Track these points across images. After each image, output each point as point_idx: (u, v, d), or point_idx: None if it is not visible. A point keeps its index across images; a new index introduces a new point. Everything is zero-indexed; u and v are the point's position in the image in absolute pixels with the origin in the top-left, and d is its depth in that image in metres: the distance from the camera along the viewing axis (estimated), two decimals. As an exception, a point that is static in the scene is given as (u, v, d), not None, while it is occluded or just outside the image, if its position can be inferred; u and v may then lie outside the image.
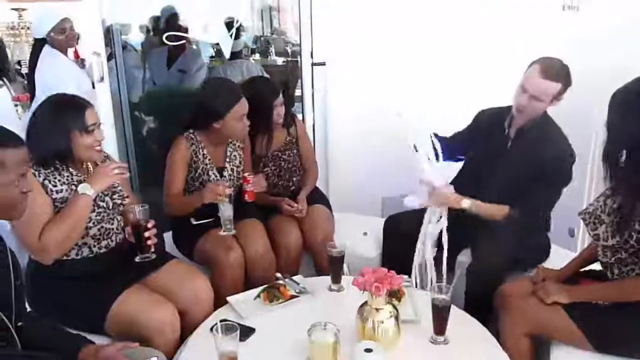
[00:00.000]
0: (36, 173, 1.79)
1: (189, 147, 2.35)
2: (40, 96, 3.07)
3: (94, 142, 1.85)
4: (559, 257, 2.29)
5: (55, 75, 3.01)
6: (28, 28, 5.03)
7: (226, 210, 2.22)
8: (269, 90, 2.58)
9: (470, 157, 2.35)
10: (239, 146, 2.49)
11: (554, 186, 2.17)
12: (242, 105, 2.29)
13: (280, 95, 2.57)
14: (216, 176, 2.39)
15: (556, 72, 2.09)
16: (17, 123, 3.06)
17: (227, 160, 2.44)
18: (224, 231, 2.24)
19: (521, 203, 2.13)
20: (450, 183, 2.22)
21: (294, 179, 2.73)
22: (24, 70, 5.02)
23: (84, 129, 1.81)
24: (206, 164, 2.38)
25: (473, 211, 2.14)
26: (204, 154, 2.37)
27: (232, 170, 2.45)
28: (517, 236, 2.13)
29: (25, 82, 4.92)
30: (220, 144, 2.43)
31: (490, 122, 2.38)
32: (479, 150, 2.30)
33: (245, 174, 2.37)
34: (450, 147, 2.32)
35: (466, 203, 2.13)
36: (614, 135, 1.65)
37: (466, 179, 2.28)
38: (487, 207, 2.16)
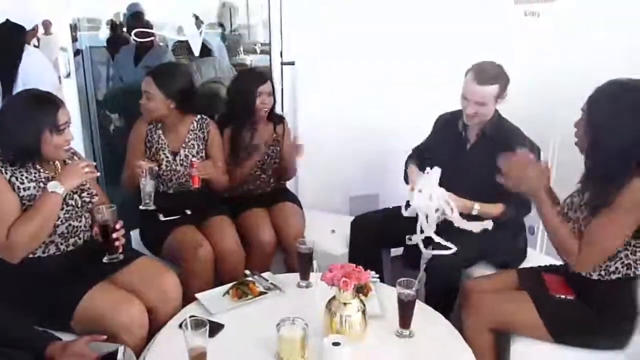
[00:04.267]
0: (3, 170, 1.76)
1: (145, 126, 2.46)
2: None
3: (64, 142, 1.85)
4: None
5: (37, 68, 2.93)
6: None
7: (147, 186, 2.29)
8: (251, 76, 2.67)
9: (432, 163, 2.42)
10: (199, 135, 2.51)
11: None
12: (143, 82, 2.42)
13: (268, 85, 2.60)
14: (167, 157, 2.45)
15: (490, 76, 2.18)
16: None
17: (183, 145, 2.48)
18: (142, 206, 2.30)
19: (511, 199, 2.16)
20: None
21: (272, 178, 2.77)
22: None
23: (55, 129, 1.79)
24: (160, 144, 2.46)
25: (478, 214, 2.17)
26: (158, 135, 2.46)
27: (185, 156, 2.48)
28: (493, 237, 2.18)
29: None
30: (176, 130, 2.48)
31: (446, 126, 2.47)
32: (439, 155, 2.35)
33: (193, 159, 2.43)
34: (418, 157, 2.40)
35: (476, 210, 2.17)
36: (602, 134, 1.68)
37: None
38: (488, 207, 2.19)
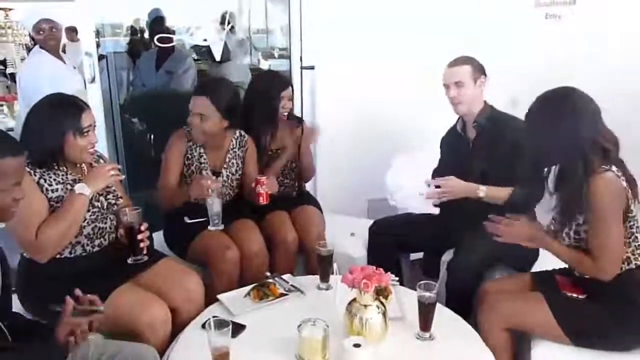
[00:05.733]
0: (32, 172, 1.80)
1: (185, 142, 2.39)
2: (22, 95, 3.08)
3: (88, 144, 1.88)
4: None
5: (34, 75, 3.01)
6: (12, 28, 5.02)
7: (214, 205, 2.24)
8: (275, 81, 2.64)
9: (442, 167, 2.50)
10: (239, 154, 2.51)
11: None
12: (192, 100, 2.30)
13: (290, 90, 2.61)
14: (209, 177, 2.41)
15: (460, 58, 2.33)
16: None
17: (225, 166, 2.47)
18: (212, 226, 2.27)
19: (517, 181, 2.20)
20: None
21: (297, 182, 2.79)
22: (9, 70, 5.00)
23: (78, 131, 1.83)
24: (200, 163, 2.41)
25: (486, 197, 2.23)
26: (199, 153, 2.41)
27: (227, 176, 2.47)
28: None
29: (9, 82, 4.91)
30: (217, 148, 2.44)
31: (449, 138, 2.53)
32: (449, 163, 2.43)
33: (258, 176, 2.36)
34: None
35: (482, 191, 2.22)
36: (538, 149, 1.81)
37: (438, 221, 2.43)
38: (496, 190, 2.23)
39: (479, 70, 2.32)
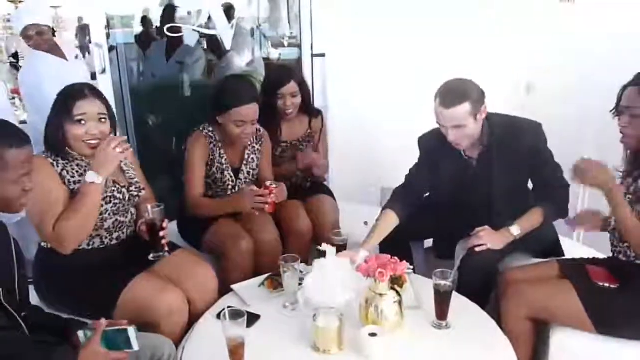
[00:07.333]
0: (54, 163, 1.81)
1: (207, 145, 2.33)
2: (26, 98, 3.06)
3: (84, 134, 1.82)
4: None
5: (33, 78, 2.93)
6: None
7: (291, 282, 1.87)
8: (275, 77, 2.60)
9: (434, 188, 2.34)
10: (257, 149, 2.48)
11: (552, 159, 2.14)
12: (244, 111, 2.21)
13: (292, 86, 2.53)
14: (231, 176, 2.40)
15: (456, 95, 2.00)
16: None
17: (245, 162, 2.44)
18: (290, 306, 1.88)
19: (545, 196, 2.11)
20: (429, 218, 2.29)
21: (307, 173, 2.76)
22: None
23: (70, 120, 1.80)
24: (222, 163, 2.37)
25: (522, 233, 2.09)
26: (220, 154, 2.36)
27: (247, 173, 2.45)
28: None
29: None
30: (234, 145, 2.39)
31: (438, 145, 2.23)
32: (442, 179, 2.27)
33: (268, 183, 2.27)
34: (413, 182, 2.32)
35: (516, 230, 2.08)
36: None
37: (445, 212, 2.28)
38: (525, 222, 2.10)
39: (479, 101, 2.02)
